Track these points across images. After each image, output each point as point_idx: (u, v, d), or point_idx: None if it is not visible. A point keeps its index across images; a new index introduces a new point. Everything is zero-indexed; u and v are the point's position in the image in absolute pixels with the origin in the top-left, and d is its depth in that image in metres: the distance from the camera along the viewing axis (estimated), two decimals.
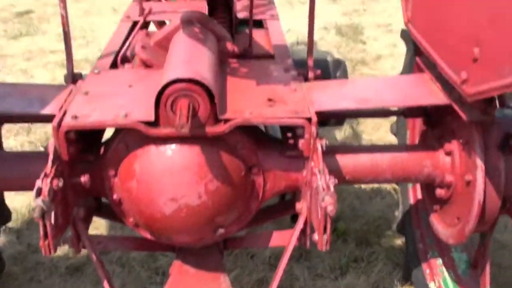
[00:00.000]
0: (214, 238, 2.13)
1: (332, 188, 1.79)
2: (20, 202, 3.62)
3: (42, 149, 4.37)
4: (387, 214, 3.75)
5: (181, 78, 1.81)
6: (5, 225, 3.10)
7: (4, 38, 6.87)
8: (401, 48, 2.72)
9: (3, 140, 4.34)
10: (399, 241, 3.44)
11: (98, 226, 3.50)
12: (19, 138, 4.56)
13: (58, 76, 5.61)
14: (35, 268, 3.20)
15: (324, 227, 1.81)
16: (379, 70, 5.95)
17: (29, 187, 1.80)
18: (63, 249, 3.18)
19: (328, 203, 1.74)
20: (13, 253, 3.35)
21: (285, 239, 2.21)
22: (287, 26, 6.93)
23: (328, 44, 6.65)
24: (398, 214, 3.15)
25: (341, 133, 4.66)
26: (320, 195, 1.79)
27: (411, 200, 2.98)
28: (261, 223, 2.63)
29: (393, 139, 3.42)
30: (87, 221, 2.18)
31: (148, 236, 2.14)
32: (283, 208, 2.45)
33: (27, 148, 4.45)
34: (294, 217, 2.24)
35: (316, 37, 6.77)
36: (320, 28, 7.03)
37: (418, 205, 2.92)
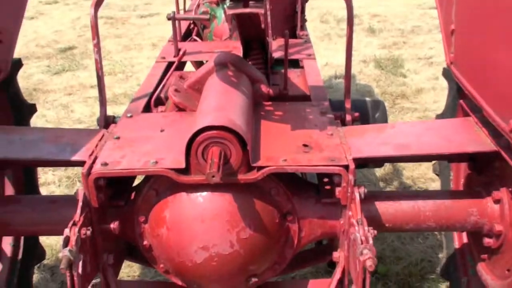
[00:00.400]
0: (247, 287, 2.04)
1: (371, 241, 1.70)
2: (55, 239, 3.63)
3: (79, 184, 4.41)
4: (430, 256, 3.61)
5: (213, 125, 1.76)
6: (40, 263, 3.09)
7: (48, 74, 7.06)
8: (443, 81, 2.62)
9: (41, 175, 4.46)
10: (444, 286, 3.27)
11: (132, 263, 3.46)
12: (57, 173, 4.62)
13: (96, 110, 5.70)
14: None
15: (362, 281, 1.72)
16: (420, 104, 5.81)
17: (61, 233, 1.77)
18: None
19: (367, 257, 1.65)
20: None
21: None
22: (324, 59, 6.93)
23: (367, 77, 6.57)
24: (443, 257, 2.99)
25: (381, 170, 4.53)
26: (358, 248, 1.70)
27: (457, 244, 2.83)
28: (296, 269, 2.53)
29: (435, 177, 3.28)
30: (117, 267, 2.13)
31: (179, 282, 2.08)
32: (320, 254, 2.35)
33: (64, 183, 4.49)
34: (331, 262, 2.14)
35: (355, 70, 6.75)
36: (359, 61, 6.96)
37: (464, 250, 2.77)
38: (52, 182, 4.51)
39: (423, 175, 4.48)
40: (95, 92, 6.28)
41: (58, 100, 6.22)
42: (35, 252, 2.86)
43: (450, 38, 2.18)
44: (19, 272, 2.70)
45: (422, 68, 6.85)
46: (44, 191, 4.20)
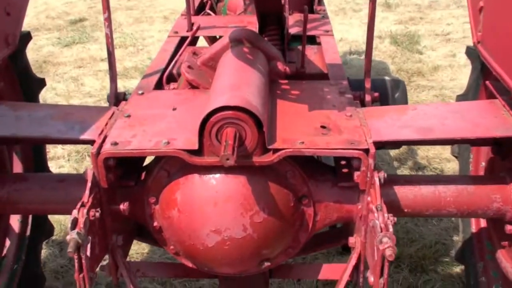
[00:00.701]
0: (259, 270, 2.01)
1: (391, 229, 1.63)
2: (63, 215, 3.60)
3: (88, 159, 4.37)
4: (444, 238, 3.55)
5: (228, 105, 1.69)
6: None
7: (58, 46, 6.99)
8: (460, 58, 2.53)
9: (51, 149, 4.42)
10: (458, 269, 3.22)
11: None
12: (66, 147, 4.58)
13: (107, 84, 5.64)
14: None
15: (380, 270, 1.66)
16: (437, 81, 5.68)
17: (69, 212, 1.72)
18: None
19: (387, 246, 1.59)
20: (55, 266, 3.33)
21: (335, 273, 2.08)
22: (339, 35, 6.78)
23: (382, 54, 6.43)
24: (458, 241, 2.93)
25: (395, 150, 4.45)
26: (377, 236, 1.63)
27: (474, 228, 2.77)
28: (310, 253, 2.48)
29: (450, 157, 3.19)
30: (126, 247, 2.09)
31: (189, 264, 2.05)
32: (334, 237, 2.30)
33: (74, 157, 4.46)
34: (346, 245, 2.08)
35: None
36: (375, 37, 6.77)
37: (482, 235, 2.70)
38: (61, 156, 4.48)
39: (438, 155, 4.39)
40: (105, 65, 6.18)
41: (68, 73, 6.16)
42: (43, 228, 2.84)
43: (478, 15, 2.08)
44: (27, 248, 2.68)
45: (439, 45, 6.69)
46: (53, 165, 4.17)
